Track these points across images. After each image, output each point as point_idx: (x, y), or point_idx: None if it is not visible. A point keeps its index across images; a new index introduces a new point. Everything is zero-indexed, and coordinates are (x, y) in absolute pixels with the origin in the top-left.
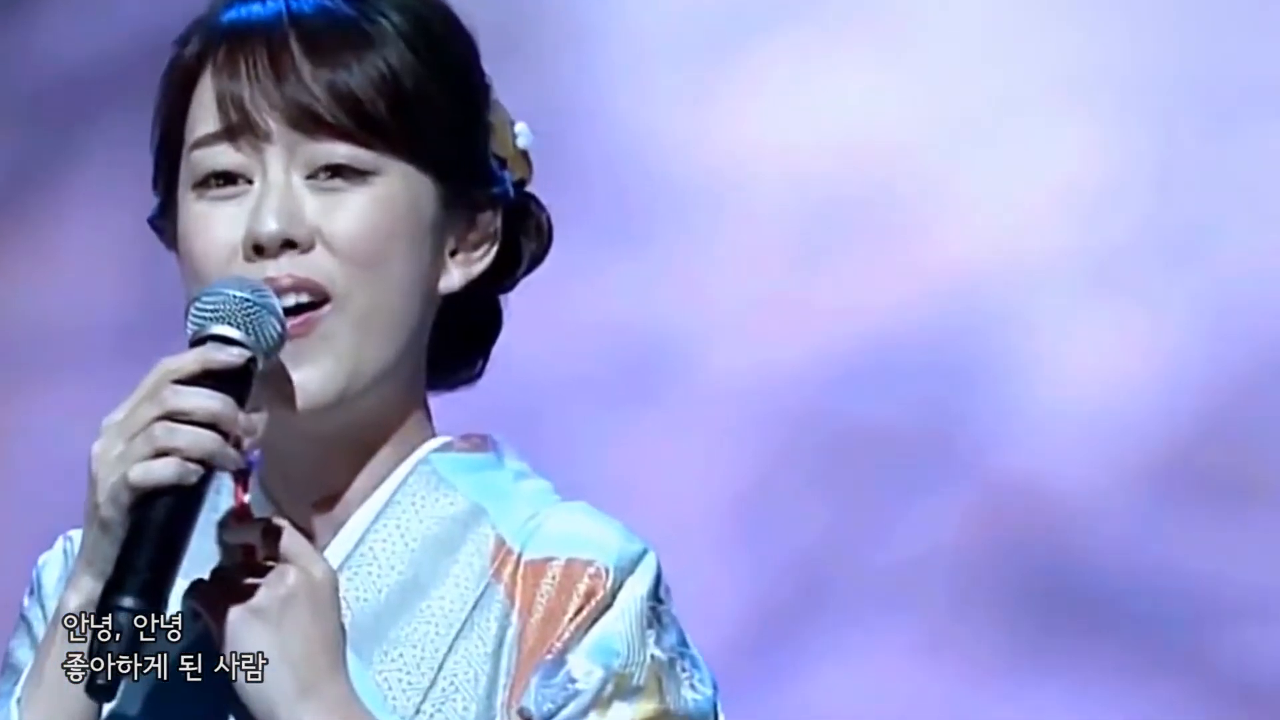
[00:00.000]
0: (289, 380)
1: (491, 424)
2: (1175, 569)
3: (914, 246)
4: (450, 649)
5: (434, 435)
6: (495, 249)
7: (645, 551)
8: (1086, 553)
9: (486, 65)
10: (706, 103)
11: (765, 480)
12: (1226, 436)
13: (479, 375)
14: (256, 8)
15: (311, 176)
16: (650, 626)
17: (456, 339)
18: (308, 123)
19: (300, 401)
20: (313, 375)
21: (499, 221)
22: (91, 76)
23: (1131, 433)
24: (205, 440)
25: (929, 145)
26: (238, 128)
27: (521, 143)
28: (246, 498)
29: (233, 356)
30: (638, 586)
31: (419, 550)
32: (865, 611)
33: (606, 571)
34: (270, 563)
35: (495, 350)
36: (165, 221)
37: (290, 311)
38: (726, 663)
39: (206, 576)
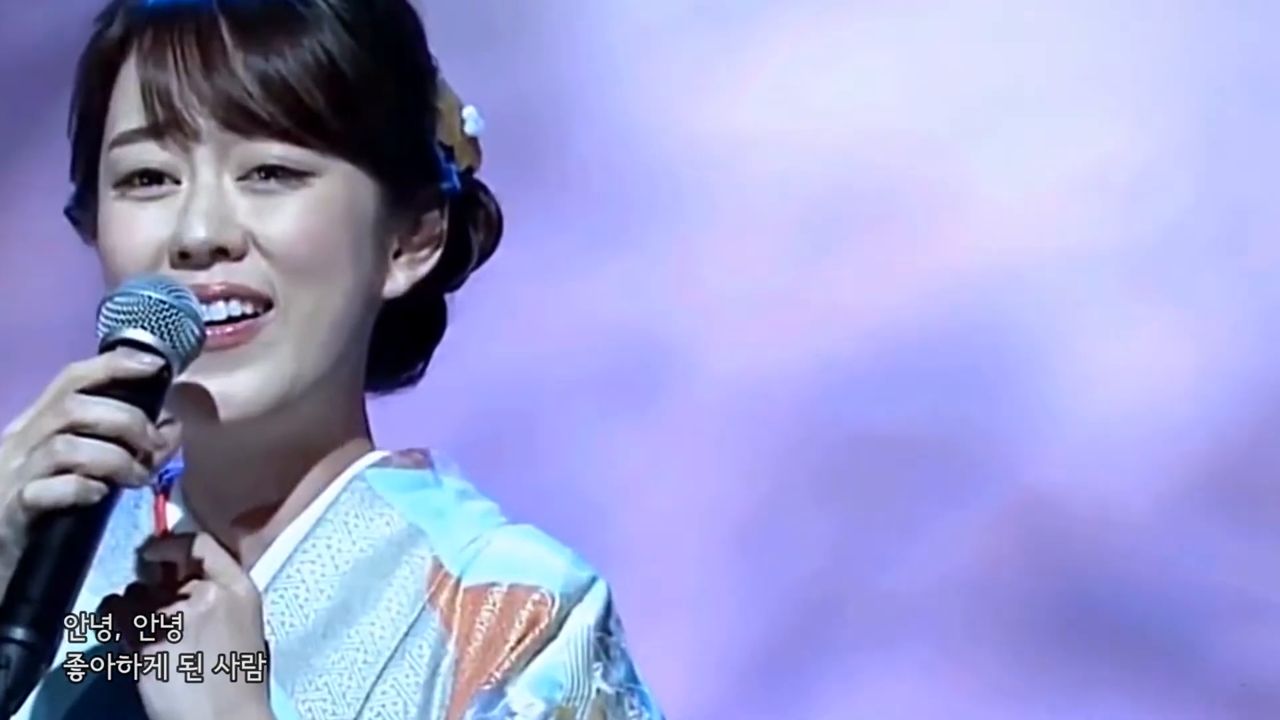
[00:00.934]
0: (212, 388)
1: (476, 431)
2: (1222, 592)
3: (927, 241)
4: (379, 677)
5: (372, 449)
6: (441, 249)
7: (594, 579)
8: (1122, 576)
9: (482, 54)
10: (704, 92)
11: (767, 496)
12: (1265, 451)
13: (419, 377)
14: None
15: (244, 178)
16: (597, 659)
17: (398, 341)
18: (241, 121)
19: (226, 411)
20: (245, 383)
21: (445, 221)
22: (46, 64)
23: (1171, 442)
24: (110, 456)
25: (943, 132)
26: (165, 125)
27: (470, 128)
28: (169, 514)
29: (144, 365)
30: (585, 616)
31: (350, 573)
32: (877, 640)
33: (552, 599)
34: (190, 580)
35: (481, 353)
36: (83, 214)
37: (226, 320)
38: (726, 693)
39: (122, 593)
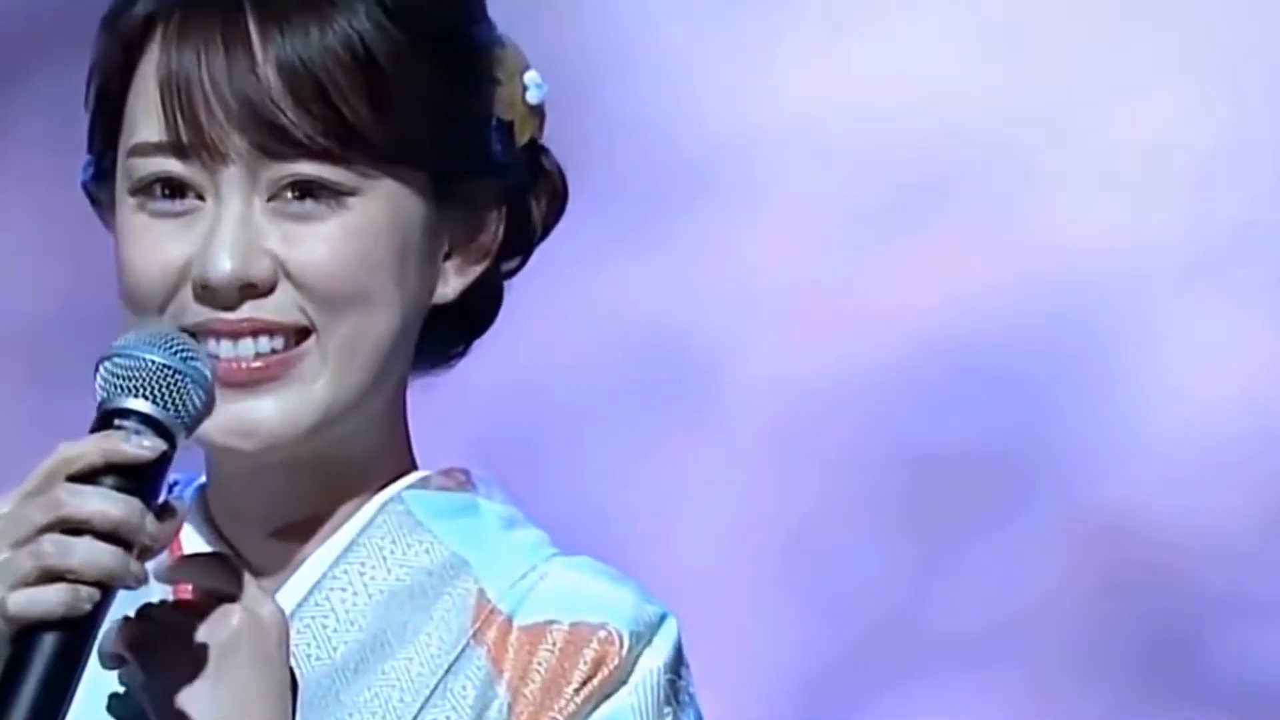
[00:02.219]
0: (237, 416)
1: (492, 446)
2: None
3: (986, 235)
4: (416, 718)
5: (412, 465)
6: (498, 243)
7: (665, 616)
8: (1208, 605)
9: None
10: (737, 76)
11: (812, 516)
12: None
13: (457, 361)
14: None
15: (275, 197)
16: (668, 704)
17: (445, 336)
18: (273, 142)
19: (251, 442)
20: (273, 412)
21: (503, 218)
22: (15, 30)
23: (1263, 459)
24: (104, 557)
25: (1002, 114)
26: (189, 145)
27: (533, 97)
28: (186, 529)
29: (144, 450)
30: (656, 657)
31: (384, 603)
32: (940, 675)
33: (620, 637)
34: (211, 602)
35: (493, 361)
36: (101, 194)
37: (255, 356)
38: None
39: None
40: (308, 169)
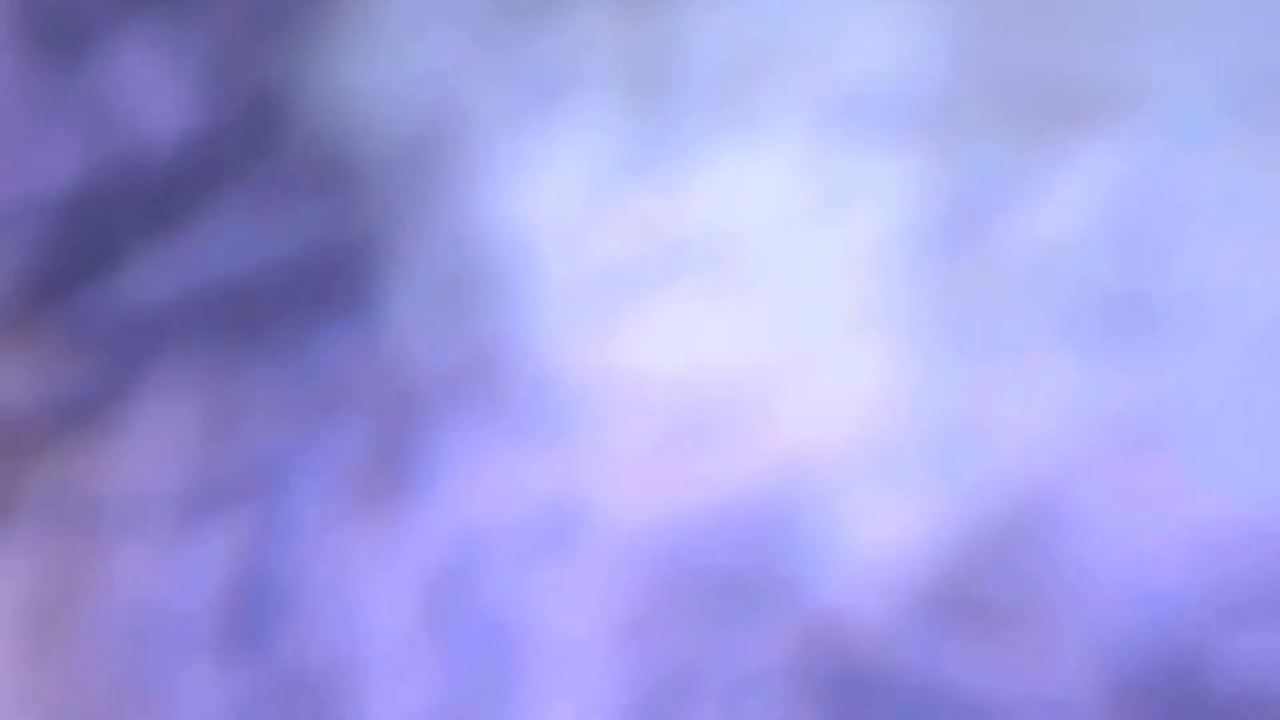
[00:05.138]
0: None
1: (448, 564)
2: (941, 678)
3: (754, 438)
4: None
5: None
6: None
7: None
8: (878, 669)
9: (447, 314)
10: (611, 334)
11: (644, 611)
12: (978, 577)
13: None
14: None
15: None
16: None
17: None
18: None
19: None
20: None
21: None
22: (163, 314)
23: (904, 575)
24: None
25: (760, 369)
26: None
27: None
28: None
29: None
30: None
31: None
32: (723, 708)
33: None
34: None
35: (447, 508)
36: None
37: None
38: None
39: None
40: None
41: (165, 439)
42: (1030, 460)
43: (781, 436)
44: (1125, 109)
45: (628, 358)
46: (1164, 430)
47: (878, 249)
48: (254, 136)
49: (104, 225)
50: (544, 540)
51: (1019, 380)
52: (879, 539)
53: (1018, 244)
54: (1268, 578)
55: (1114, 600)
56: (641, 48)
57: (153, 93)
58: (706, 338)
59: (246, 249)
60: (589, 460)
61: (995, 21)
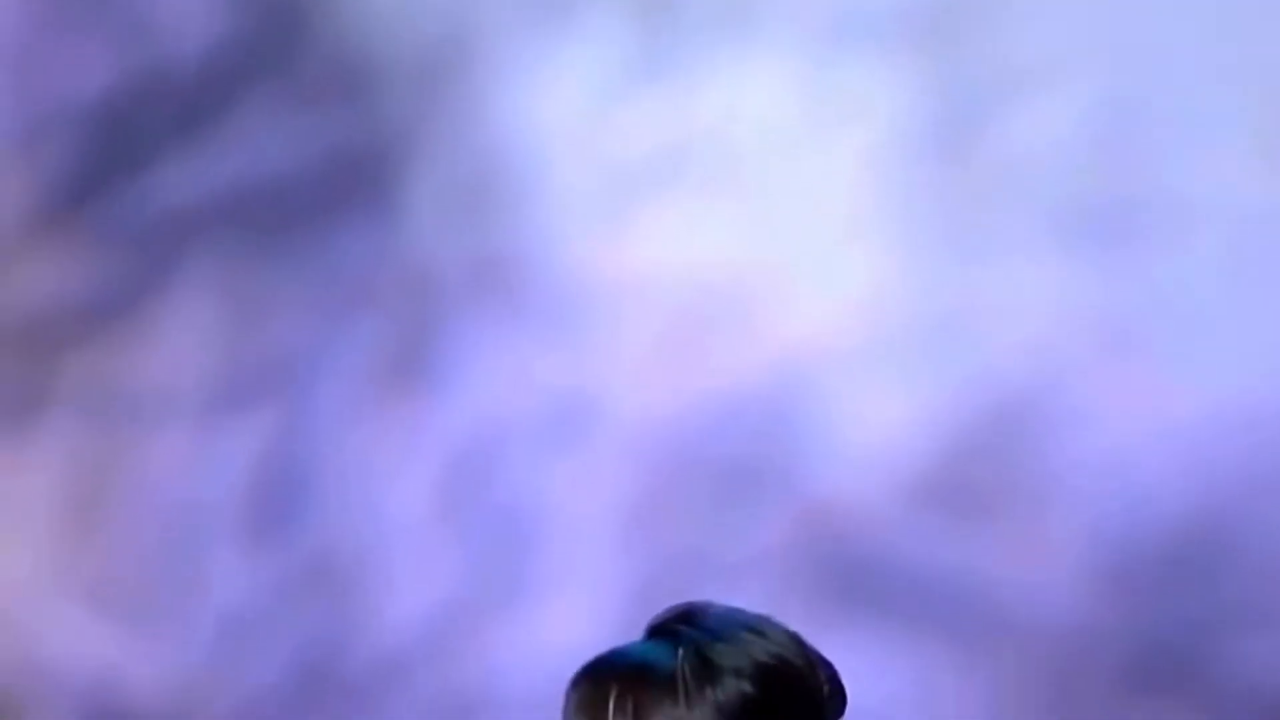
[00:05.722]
0: None
1: (452, 470)
2: (931, 561)
3: (756, 334)
4: None
5: None
6: None
7: None
8: (868, 551)
9: (462, 219)
10: (621, 233)
11: (650, 497)
12: (964, 463)
13: None
14: (612, 659)
15: None
16: None
17: None
18: None
19: None
20: None
21: None
22: (191, 216)
23: (897, 464)
24: None
25: (762, 264)
26: None
27: None
28: None
29: None
30: None
31: None
32: (724, 589)
33: None
34: None
35: (465, 400)
36: None
37: None
38: (616, 629)
39: None
40: None
41: (195, 335)
42: (1018, 356)
43: (781, 333)
44: (1109, 25)
45: (636, 257)
46: (1146, 328)
47: (872, 156)
48: (278, 45)
49: (134, 131)
50: (557, 430)
51: (1008, 280)
52: (874, 430)
53: (1006, 152)
54: (1245, 466)
55: (1098, 489)
56: None
57: (181, 3)
58: (710, 239)
59: (271, 153)
60: (599, 355)
61: None
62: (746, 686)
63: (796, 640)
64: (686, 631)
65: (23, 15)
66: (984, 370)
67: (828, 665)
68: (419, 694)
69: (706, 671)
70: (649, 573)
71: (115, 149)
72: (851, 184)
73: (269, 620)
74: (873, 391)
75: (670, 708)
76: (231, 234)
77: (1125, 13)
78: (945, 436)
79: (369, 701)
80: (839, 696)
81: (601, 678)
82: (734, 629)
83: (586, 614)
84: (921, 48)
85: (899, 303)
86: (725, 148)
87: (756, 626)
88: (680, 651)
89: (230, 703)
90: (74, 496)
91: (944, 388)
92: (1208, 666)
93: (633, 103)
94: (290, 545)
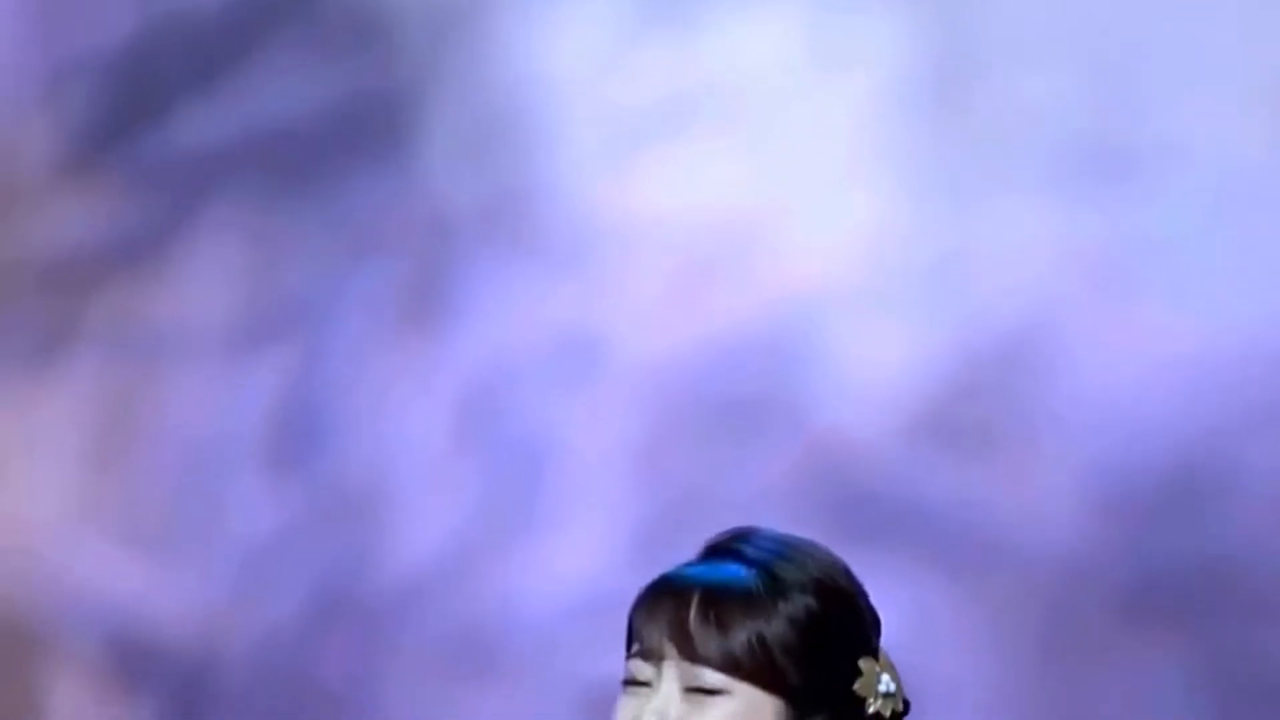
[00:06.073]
0: None
1: (468, 403)
2: (931, 494)
3: (760, 274)
4: None
5: None
6: None
7: None
8: (870, 485)
9: (475, 162)
10: (628, 177)
11: (659, 432)
12: (963, 399)
13: None
14: (692, 572)
15: (689, 690)
16: None
17: None
18: (691, 655)
19: None
20: None
21: None
22: (212, 160)
23: (898, 401)
24: None
25: (767, 206)
26: (648, 654)
27: (883, 687)
28: None
29: None
30: None
31: None
32: (730, 521)
33: None
34: None
35: (471, 344)
36: None
37: None
38: (623, 561)
39: None
40: (705, 674)
41: (217, 274)
42: (1016, 295)
43: (785, 273)
44: None
45: (644, 200)
46: (1141, 268)
47: (873, 102)
48: None
49: (157, 78)
50: (567, 367)
51: (1006, 222)
52: (876, 367)
53: (1005, 98)
54: (1237, 402)
55: (1093, 423)
56: None
57: None
58: (716, 182)
59: (290, 98)
60: (608, 294)
61: None
62: (811, 601)
63: (842, 563)
64: (748, 550)
65: None
66: (982, 309)
67: (865, 592)
68: (435, 621)
69: (775, 585)
70: (657, 504)
71: (139, 96)
72: (853, 129)
73: (289, 550)
74: (874, 330)
75: (749, 619)
76: (252, 177)
77: None
78: (945, 373)
79: (387, 628)
80: (878, 622)
81: (684, 589)
82: (790, 549)
83: (597, 543)
84: None
85: (900, 244)
86: (730, 94)
87: (808, 548)
88: (752, 567)
89: (252, 631)
90: (100, 431)
91: (943, 326)
92: (1200, 596)
93: (641, 49)
94: (310, 478)
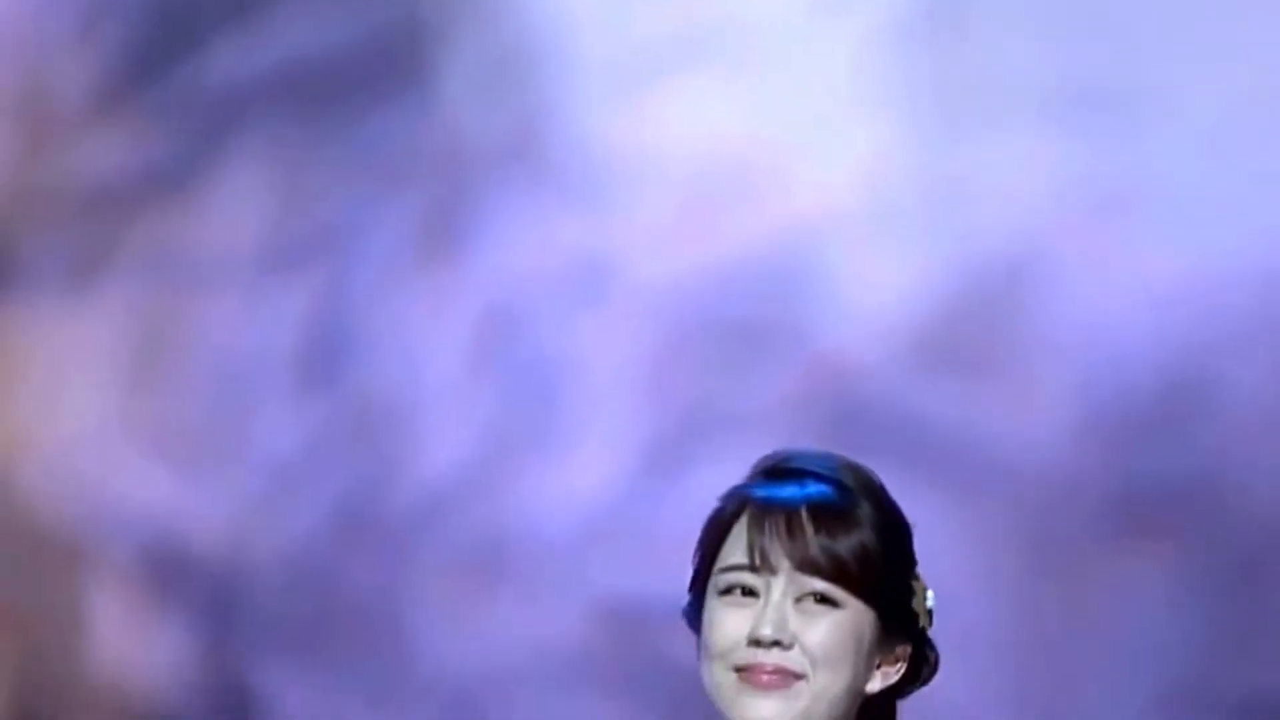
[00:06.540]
0: (753, 709)
1: (490, 320)
2: (927, 412)
3: (765, 202)
4: None
5: None
6: (904, 669)
7: None
8: (869, 403)
9: (492, 96)
10: (640, 111)
11: (668, 353)
12: (959, 323)
13: None
14: (788, 491)
15: (799, 600)
16: None
17: (863, 714)
18: (806, 568)
19: None
20: (773, 710)
21: (907, 660)
22: (243, 94)
23: (896, 323)
24: None
25: (772, 138)
26: (760, 566)
27: (929, 603)
28: None
29: None
30: None
31: None
32: (736, 438)
33: None
34: None
35: (495, 267)
36: (693, 615)
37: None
38: (635, 467)
39: None
40: (819, 585)
41: (247, 203)
42: (1011, 223)
43: (790, 200)
44: None
45: (655, 131)
46: (1131, 197)
47: (874, 37)
48: None
49: (192, 13)
50: (579, 293)
51: (1000, 153)
52: (875, 291)
53: (1000, 34)
54: (1222, 326)
55: (1083, 345)
56: None
57: None
58: (724, 114)
59: (318, 34)
60: (620, 221)
61: None
62: (884, 513)
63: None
64: (814, 468)
65: None
66: (978, 236)
67: None
68: (454, 532)
69: (857, 499)
70: (666, 421)
71: (173, 31)
72: (854, 65)
73: (315, 466)
74: (874, 256)
75: (852, 530)
76: (281, 109)
77: None
78: (941, 298)
79: (408, 539)
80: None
81: (790, 505)
82: (843, 465)
83: (607, 458)
84: None
85: (898, 175)
86: (738, 31)
87: (851, 463)
88: (830, 484)
89: (280, 541)
90: (136, 352)
91: (940, 252)
92: (1183, 510)
93: None
94: (335, 397)
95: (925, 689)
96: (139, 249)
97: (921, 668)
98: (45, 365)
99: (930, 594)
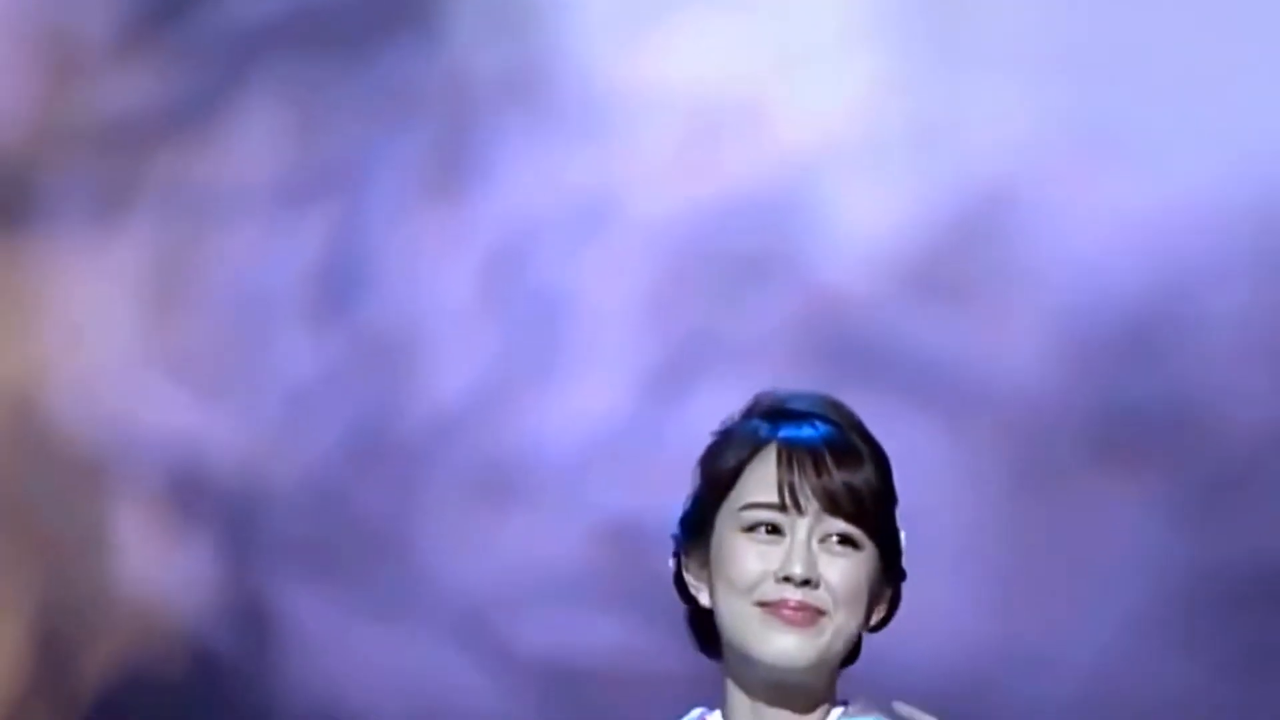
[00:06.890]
0: (777, 643)
1: (497, 259)
2: (920, 341)
3: (762, 138)
4: None
5: (835, 695)
6: (885, 609)
7: None
8: (863, 333)
9: (498, 35)
10: (641, 49)
11: (668, 285)
12: (951, 253)
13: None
14: (807, 432)
15: (823, 541)
16: None
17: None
18: (832, 509)
19: (784, 660)
20: (797, 645)
21: (890, 592)
22: (259, 33)
23: (890, 255)
24: None
25: (769, 74)
26: (789, 505)
27: (903, 542)
28: None
29: None
30: None
31: None
32: (734, 366)
33: None
34: None
35: (503, 206)
36: (689, 546)
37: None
38: (636, 397)
39: None
40: (845, 527)
41: (263, 139)
42: (998, 157)
43: (785, 136)
44: None
45: (655, 69)
46: (1113, 133)
47: None
48: None
49: None
50: (583, 226)
51: (990, 88)
52: (869, 224)
53: None
54: (1200, 256)
55: (1068, 275)
56: None
57: None
58: (722, 52)
59: None
60: (622, 157)
61: None
62: (876, 446)
63: None
64: (820, 410)
65: None
66: (968, 169)
67: None
68: (462, 459)
69: (863, 441)
70: (667, 351)
71: None
72: (850, 3)
73: (330, 394)
74: (868, 189)
75: (865, 472)
76: (295, 49)
77: None
78: (933, 229)
79: (418, 465)
80: None
81: (814, 447)
82: (836, 407)
83: (610, 388)
84: None
85: (892, 109)
86: None
87: (838, 401)
88: (838, 426)
89: (296, 466)
90: (158, 283)
91: (932, 186)
92: (1162, 433)
93: None
94: (349, 327)
95: (919, 604)
96: (159, 183)
97: (892, 610)
98: (70, 297)
99: (903, 534)
